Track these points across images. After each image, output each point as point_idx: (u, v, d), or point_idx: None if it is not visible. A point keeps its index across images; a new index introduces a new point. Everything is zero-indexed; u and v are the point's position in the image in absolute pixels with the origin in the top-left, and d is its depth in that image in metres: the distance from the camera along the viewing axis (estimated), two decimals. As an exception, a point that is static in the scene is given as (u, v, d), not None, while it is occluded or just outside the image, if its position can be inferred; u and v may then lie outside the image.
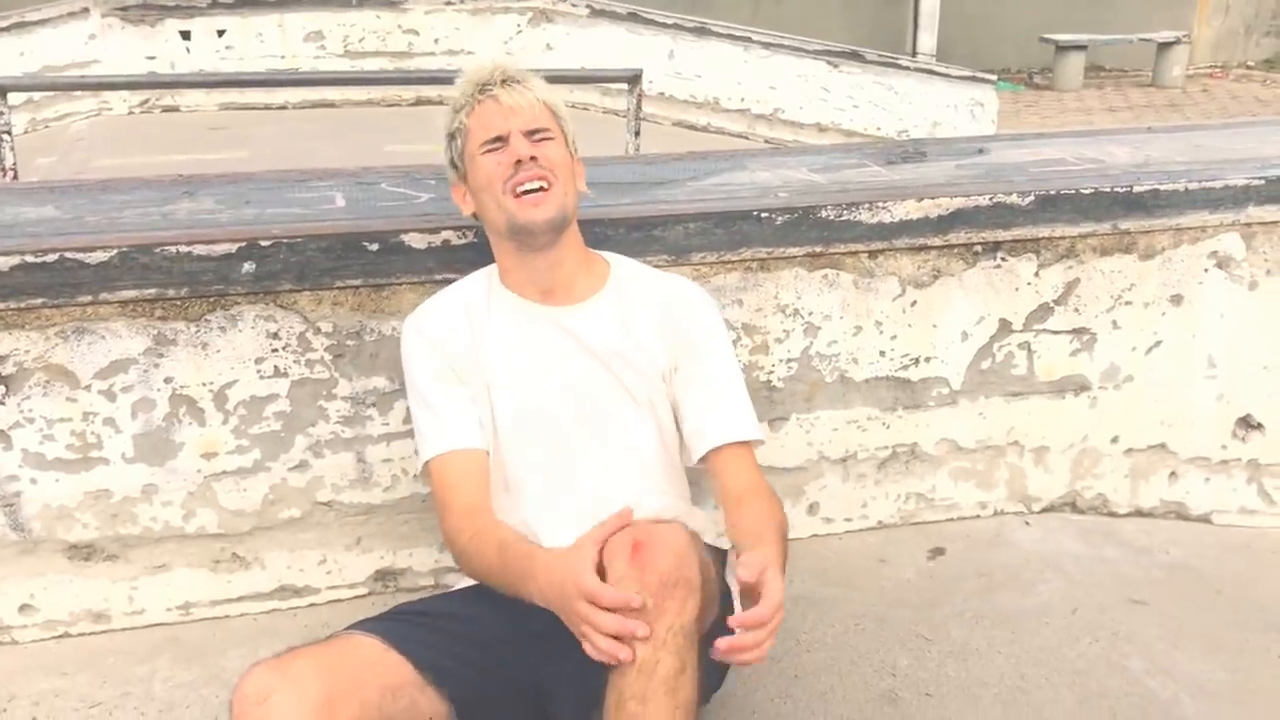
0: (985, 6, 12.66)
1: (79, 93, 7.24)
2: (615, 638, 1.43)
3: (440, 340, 1.87)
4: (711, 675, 1.89)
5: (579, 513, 1.72)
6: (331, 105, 7.63)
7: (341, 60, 7.78)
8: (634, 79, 5.17)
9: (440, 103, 7.22)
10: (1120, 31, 12.61)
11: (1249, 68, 14.35)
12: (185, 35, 7.48)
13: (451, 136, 1.86)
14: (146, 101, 7.45)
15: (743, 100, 8.04)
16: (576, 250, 1.89)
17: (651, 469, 1.86)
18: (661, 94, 7.82)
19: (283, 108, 7.57)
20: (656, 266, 2.07)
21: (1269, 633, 2.24)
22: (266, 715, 1.42)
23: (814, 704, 1.96)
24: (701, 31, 7.93)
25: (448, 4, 7.96)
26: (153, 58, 7.45)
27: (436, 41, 7.92)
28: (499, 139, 1.79)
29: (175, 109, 7.51)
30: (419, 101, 7.66)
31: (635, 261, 2.00)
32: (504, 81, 1.81)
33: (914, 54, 11.53)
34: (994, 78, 8.31)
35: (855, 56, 8.03)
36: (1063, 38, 12.21)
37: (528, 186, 1.77)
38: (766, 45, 7.97)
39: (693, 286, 1.99)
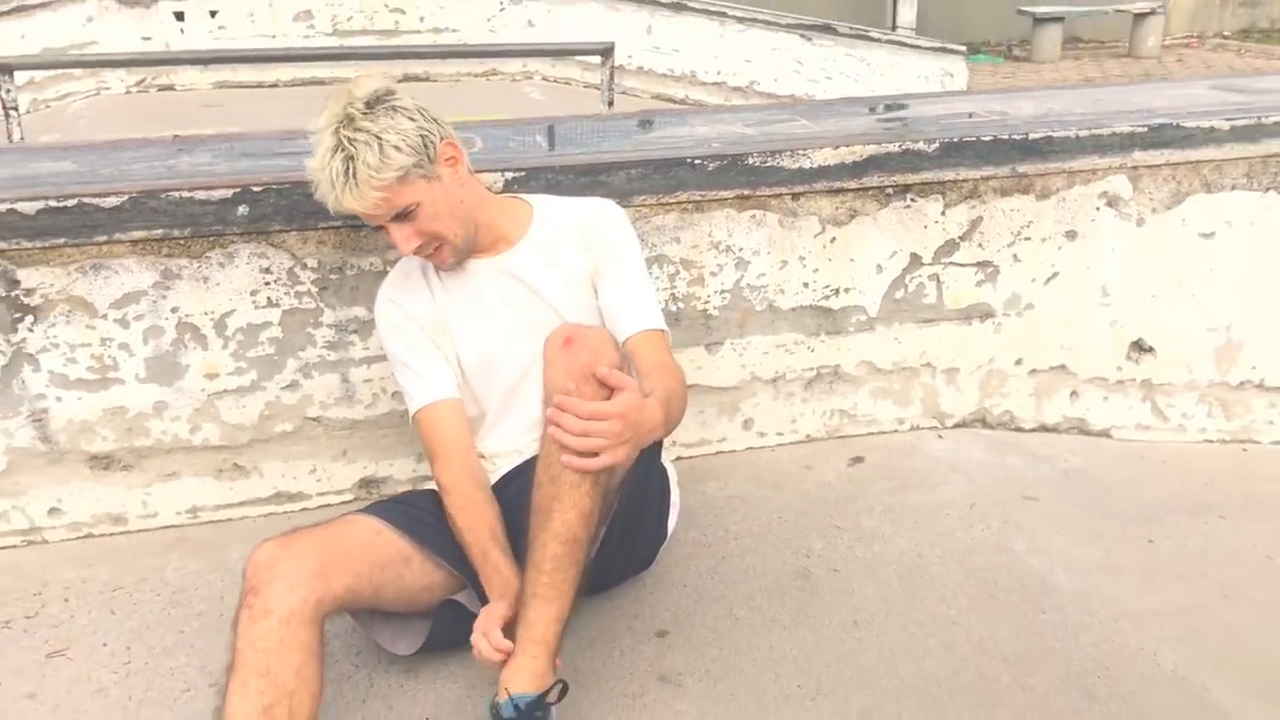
0: (964, -21, 12.89)
1: (78, 73, 7.52)
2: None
3: (408, 305, 2.13)
4: (645, 549, 2.21)
5: (531, 423, 2.04)
6: (321, 83, 7.86)
7: (330, 39, 8.06)
8: (606, 51, 5.43)
9: (426, 79, 7.61)
10: (1097, 3, 12.83)
11: (1224, 37, 14.59)
12: (179, 16, 7.76)
13: None
14: (143, 81, 7.73)
15: (719, 73, 8.32)
16: (495, 218, 2.13)
17: None
18: (640, 68, 8.11)
19: (274, 85, 7.85)
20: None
21: (1144, 524, 2.55)
22: (272, 579, 1.69)
23: (738, 578, 2.27)
24: (678, 7, 8.21)
25: (433, -17, 8.24)
26: (148, 38, 7.73)
27: (422, 20, 8.20)
28: (377, 224, 2.01)
29: (170, 88, 7.79)
30: (406, 78, 7.93)
31: (552, 197, 2.26)
32: (344, 188, 1.91)
33: (894, 27, 11.74)
34: (963, 49, 8.57)
35: (828, 30, 8.30)
36: (1040, 10, 12.43)
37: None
38: (741, 20, 8.24)
39: (604, 203, 2.23)
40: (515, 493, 2.02)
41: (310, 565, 1.72)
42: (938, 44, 8.51)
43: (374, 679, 1.99)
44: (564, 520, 1.76)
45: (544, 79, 8.43)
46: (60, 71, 7.38)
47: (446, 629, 1.97)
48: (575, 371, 1.76)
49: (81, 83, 7.60)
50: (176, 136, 2.73)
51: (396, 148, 1.90)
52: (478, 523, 1.97)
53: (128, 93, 7.72)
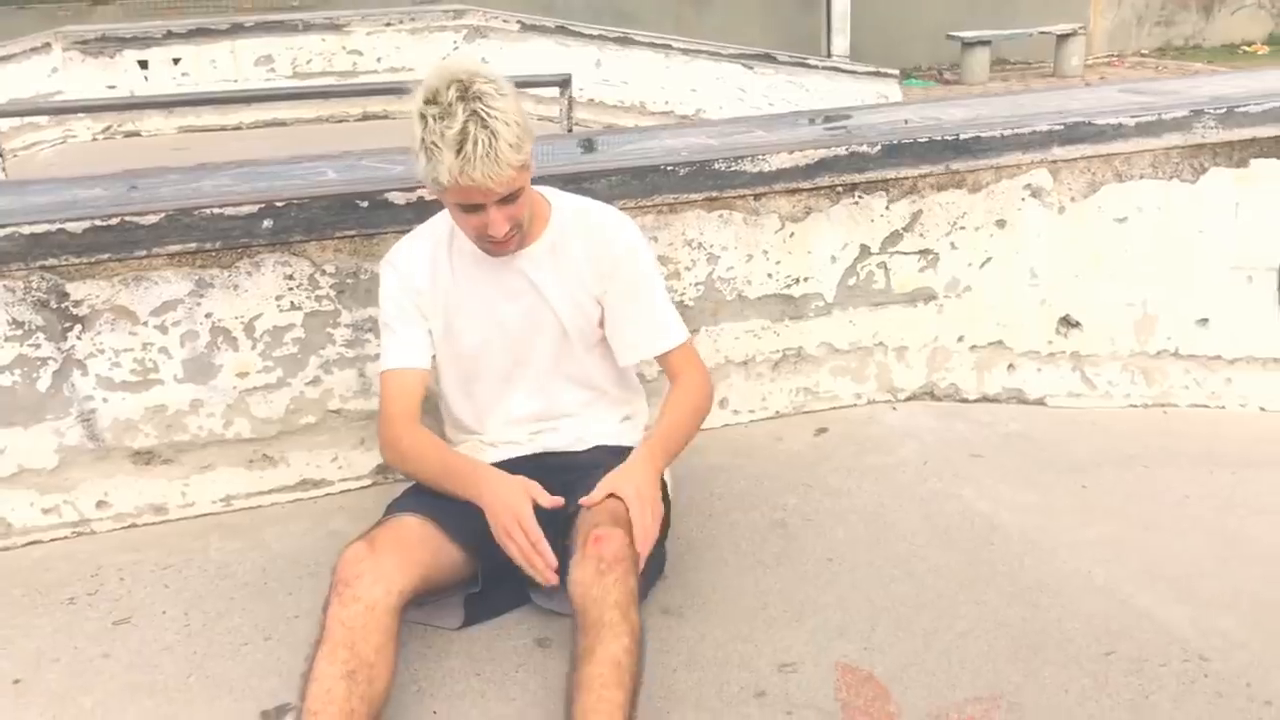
0: (895, 8, 13.35)
1: (44, 122, 7.72)
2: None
3: (408, 276, 2.28)
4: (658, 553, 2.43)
5: (524, 416, 2.34)
6: (283, 124, 8.16)
7: (291, 82, 8.34)
8: (565, 83, 5.79)
9: (385, 116, 7.88)
10: (1021, 26, 13.41)
11: (1143, 55, 15.27)
12: (143, 65, 8.01)
13: (420, 162, 2.02)
14: (109, 128, 7.95)
15: (666, 103, 8.69)
16: (527, 221, 2.18)
17: (587, 381, 2.37)
18: (591, 100, 8.44)
19: (237, 128, 8.10)
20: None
21: (1076, 474, 2.88)
22: (360, 573, 1.94)
23: (724, 530, 2.57)
24: (625, 41, 8.58)
25: (388, 25, 8.56)
26: (113, 87, 7.97)
27: (379, 60, 8.51)
28: (476, 206, 2.04)
29: (136, 134, 8.01)
30: (365, 117, 8.24)
31: (571, 196, 2.36)
32: (483, 156, 1.93)
33: (829, 55, 12.22)
34: (897, 73, 9.01)
35: (768, 58, 8.70)
36: (968, 35, 12.98)
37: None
38: (686, 51, 8.63)
39: (618, 225, 2.32)
40: (528, 471, 2.20)
41: (391, 562, 1.98)
42: (872, 69, 8.93)
43: (412, 627, 2.25)
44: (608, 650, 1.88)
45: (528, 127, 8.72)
46: (26, 121, 7.57)
47: (480, 607, 2.24)
48: (608, 558, 1.95)
49: (48, 131, 7.79)
50: (199, 164, 3.00)
51: (527, 130, 1.99)
52: (427, 447, 2.22)
53: (94, 140, 7.93)
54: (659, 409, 2.32)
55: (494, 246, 2.15)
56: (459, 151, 1.93)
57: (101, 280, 2.55)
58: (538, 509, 2.08)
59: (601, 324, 2.33)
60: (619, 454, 2.21)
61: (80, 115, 7.73)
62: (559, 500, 2.09)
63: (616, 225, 2.33)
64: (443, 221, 2.31)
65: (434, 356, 2.34)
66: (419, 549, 2.07)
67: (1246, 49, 15.03)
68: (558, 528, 2.11)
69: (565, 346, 2.33)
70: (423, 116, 1.98)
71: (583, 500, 2.08)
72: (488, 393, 2.37)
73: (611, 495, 2.08)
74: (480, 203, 2.03)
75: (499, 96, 1.96)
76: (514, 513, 2.05)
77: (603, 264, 2.27)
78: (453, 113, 1.94)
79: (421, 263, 2.30)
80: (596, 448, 2.34)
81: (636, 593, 1.97)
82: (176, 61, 8.07)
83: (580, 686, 1.84)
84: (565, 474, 2.21)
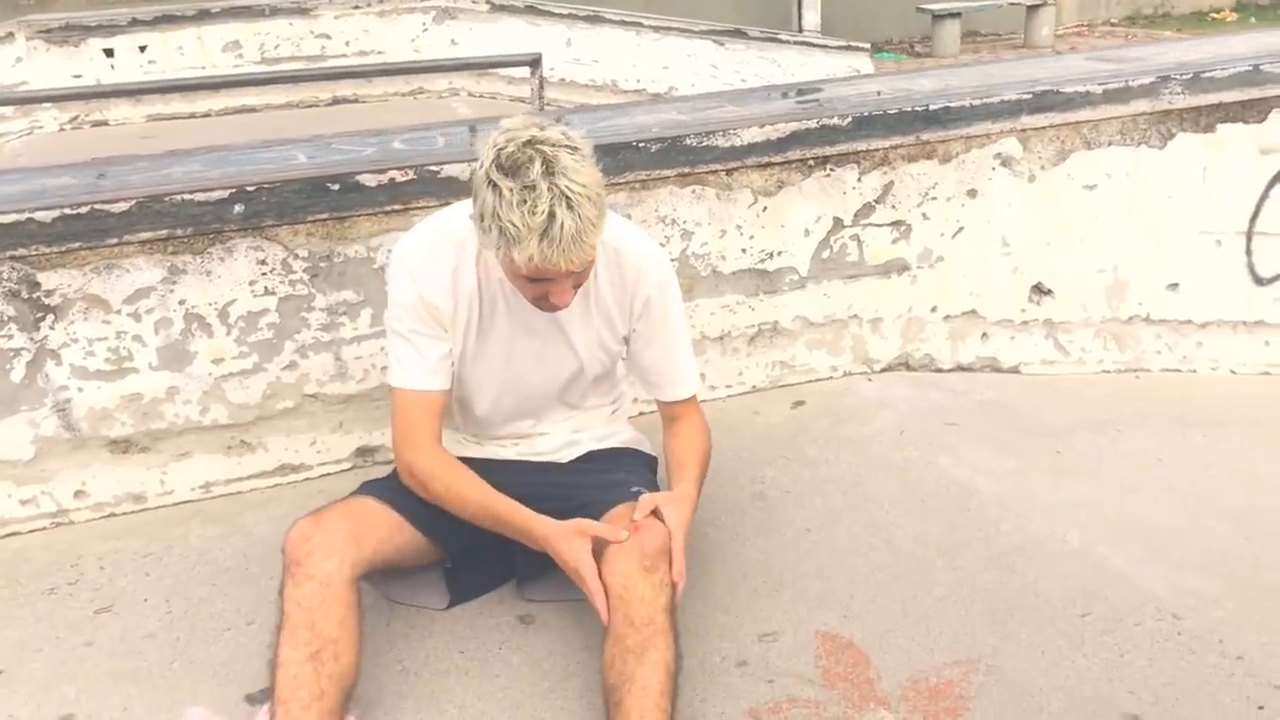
0: (864, -19, 13.38)
1: (9, 113, 7.61)
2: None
3: (429, 293, 2.07)
4: None
5: (512, 434, 2.30)
6: (253, 110, 8.09)
7: (259, 67, 8.24)
8: (535, 62, 5.76)
9: (355, 100, 7.80)
10: (991, -3, 13.45)
11: (1112, 24, 15.32)
12: (109, 53, 7.91)
13: (489, 235, 1.85)
14: (76, 118, 7.86)
15: (638, 81, 8.65)
16: None
17: (584, 401, 2.31)
18: (562, 80, 8.41)
19: (206, 115, 8.02)
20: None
21: (1051, 439, 2.92)
22: (310, 550, 1.93)
23: (703, 504, 2.53)
24: (595, 19, 8.53)
25: (355, 8, 8.49)
26: (79, 76, 7.87)
27: (348, 44, 8.44)
28: (544, 279, 1.90)
29: (104, 123, 7.92)
30: (335, 101, 8.18)
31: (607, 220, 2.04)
32: (570, 241, 1.79)
33: (800, 30, 12.20)
34: (868, 46, 9.01)
35: (739, 34, 8.67)
36: (937, 7, 12.97)
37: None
38: (656, 29, 8.59)
39: (649, 256, 2.18)
40: (507, 473, 2.21)
41: (341, 534, 1.97)
42: (844, 43, 8.93)
43: (394, 606, 2.27)
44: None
45: (470, 95, 8.70)
46: (-9, 112, 7.49)
47: (467, 586, 2.25)
48: (651, 552, 1.94)
49: (13, 123, 7.70)
50: (170, 150, 2.98)
51: (604, 200, 1.86)
52: (471, 489, 2.07)
53: (61, 130, 7.84)
54: (668, 449, 2.28)
55: (555, 308, 2.00)
56: (544, 237, 1.78)
57: (73, 269, 2.53)
58: (550, 503, 2.09)
59: (622, 353, 2.29)
60: (616, 457, 2.23)
61: (46, 105, 7.64)
62: (619, 534, 1.99)
63: (651, 265, 2.18)
64: (468, 247, 2.08)
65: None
66: (372, 525, 2.04)
67: (1215, 16, 15.11)
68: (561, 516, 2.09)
69: (575, 383, 2.27)
70: (496, 187, 1.80)
71: (635, 515, 2.02)
72: (480, 407, 2.27)
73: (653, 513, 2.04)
74: (551, 278, 1.90)
75: (581, 169, 1.81)
76: (578, 561, 1.96)
77: (633, 303, 2.18)
78: (538, 192, 1.77)
79: (443, 279, 2.08)
80: (591, 454, 2.32)
81: (675, 599, 1.96)
82: (143, 49, 7.98)
83: (633, 684, 1.82)
84: (552, 476, 2.24)
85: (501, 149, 1.81)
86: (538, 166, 1.78)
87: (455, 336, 2.13)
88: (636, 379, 2.37)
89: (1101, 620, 2.13)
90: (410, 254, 2.10)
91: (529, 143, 1.81)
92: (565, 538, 1.98)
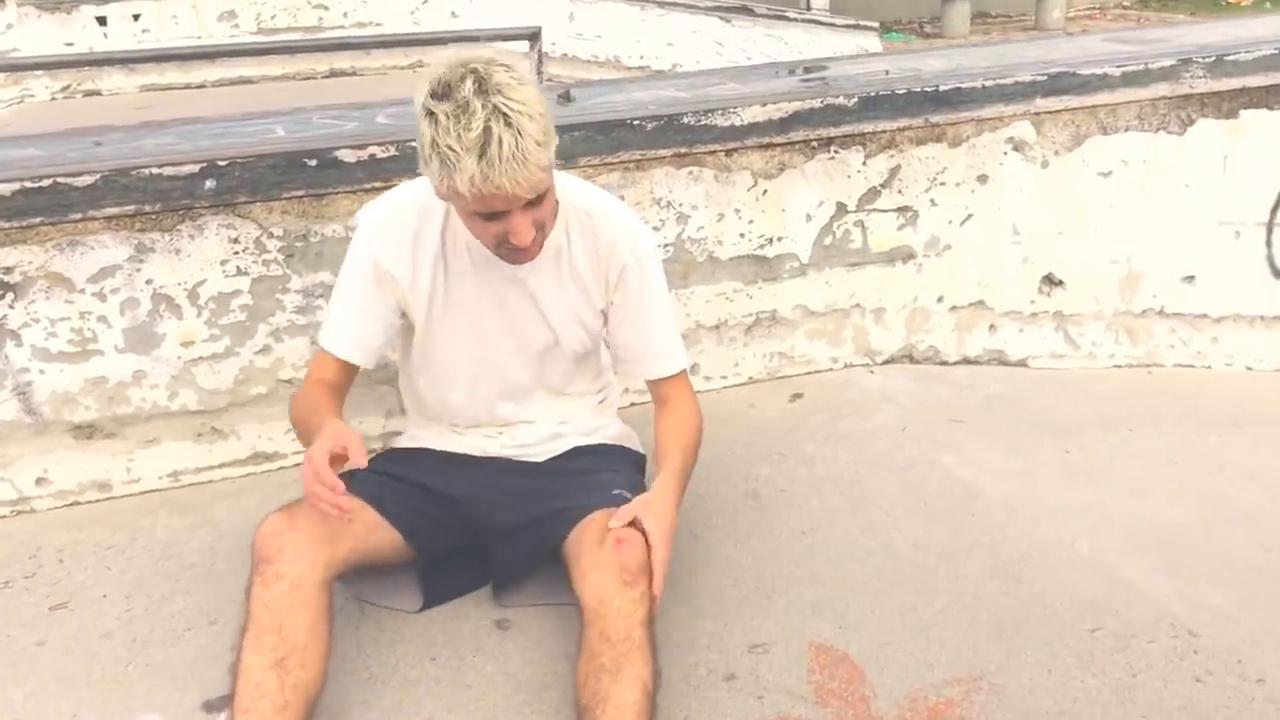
0: (875, -39, 13.18)
1: (1, 82, 7.49)
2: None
3: (383, 259, 2.00)
4: None
5: (494, 419, 2.18)
6: (249, 82, 7.95)
7: (255, 38, 8.10)
8: (534, 36, 5.61)
9: (353, 73, 7.61)
10: (1002, -22, 13.26)
11: (1125, 7, 15.12)
12: (101, 21, 7.76)
13: (430, 167, 1.74)
14: (68, 87, 7.72)
15: (642, 58, 8.49)
16: (551, 222, 1.94)
17: (567, 385, 2.19)
18: (564, 55, 8.25)
19: (201, 86, 7.89)
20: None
21: (1060, 437, 2.79)
22: (281, 547, 1.81)
23: (694, 503, 2.44)
24: (599, -7, 8.38)
25: (354, -22, 8.33)
26: (70, 44, 7.73)
27: (345, 15, 8.29)
28: (497, 213, 1.78)
29: (97, 93, 7.78)
30: (333, 74, 8.03)
31: (578, 187, 2.07)
32: (509, 159, 1.67)
33: (808, 7, 12.02)
34: (876, 25, 8.85)
35: (745, 11, 8.51)
36: (948, -13, 12.81)
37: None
38: (661, 4, 8.42)
39: (626, 223, 2.07)
40: (484, 475, 2.13)
41: (315, 532, 1.84)
42: (852, 22, 8.76)
43: (365, 608, 2.15)
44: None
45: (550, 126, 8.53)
46: (-18, 80, 7.36)
47: (441, 589, 2.13)
48: (631, 567, 1.81)
49: (4, 91, 7.56)
50: (142, 122, 2.85)
51: (550, 123, 1.74)
52: (302, 406, 2.02)
53: (53, 99, 7.71)
54: (655, 434, 2.13)
55: (517, 254, 1.88)
56: (482, 155, 1.66)
57: (34, 245, 2.40)
58: (526, 509, 2.02)
59: (603, 333, 2.16)
60: (601, 454, 2.10)
61: (38, 73, 7.50)
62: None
63: (626, 234, 2.05)
64: (435, 211, 2.00)
65: (396, 345, 2.19)
66: (347, 523, 1.90)
67: (1228, 1, 14.89)
68: (546, 529, 2.00)
69: (552, 360, 2.14)
70: (431, 114, 1.69)
71: (611, 524, 1.89)
72: (456, 391, 2.16)
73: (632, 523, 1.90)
74: (503, 210, 1.77)
75: (520, 86, 1.69)
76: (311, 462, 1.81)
77: (609, 274, 2.05)
78: (471, 110, 1.65)
79: (401, 242, 2.00)
80: (576, 450, 2.20)
81: (653, 611, 1.85)
82: (136, 18, 7.83)
83: (608, 704, 1.70)
84: (545, 481, 2.11)
85: (434, 78, 1.71)
86: (469, 85, 1.67)
87: (417, 306, 2.03)
88: (617, 360, 2.19)
89: (1112, 636, 2.00)
90: (370, 216, 2.04)
91: (460, 64, 1.70)
92: (309, 453, 1.81)
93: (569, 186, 2.04)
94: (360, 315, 2.04)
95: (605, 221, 2.04)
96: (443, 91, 1.69)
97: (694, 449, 2.11)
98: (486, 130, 1.65)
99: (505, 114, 1.66)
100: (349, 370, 2.07)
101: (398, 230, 2.00)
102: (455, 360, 2.11)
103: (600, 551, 1.84)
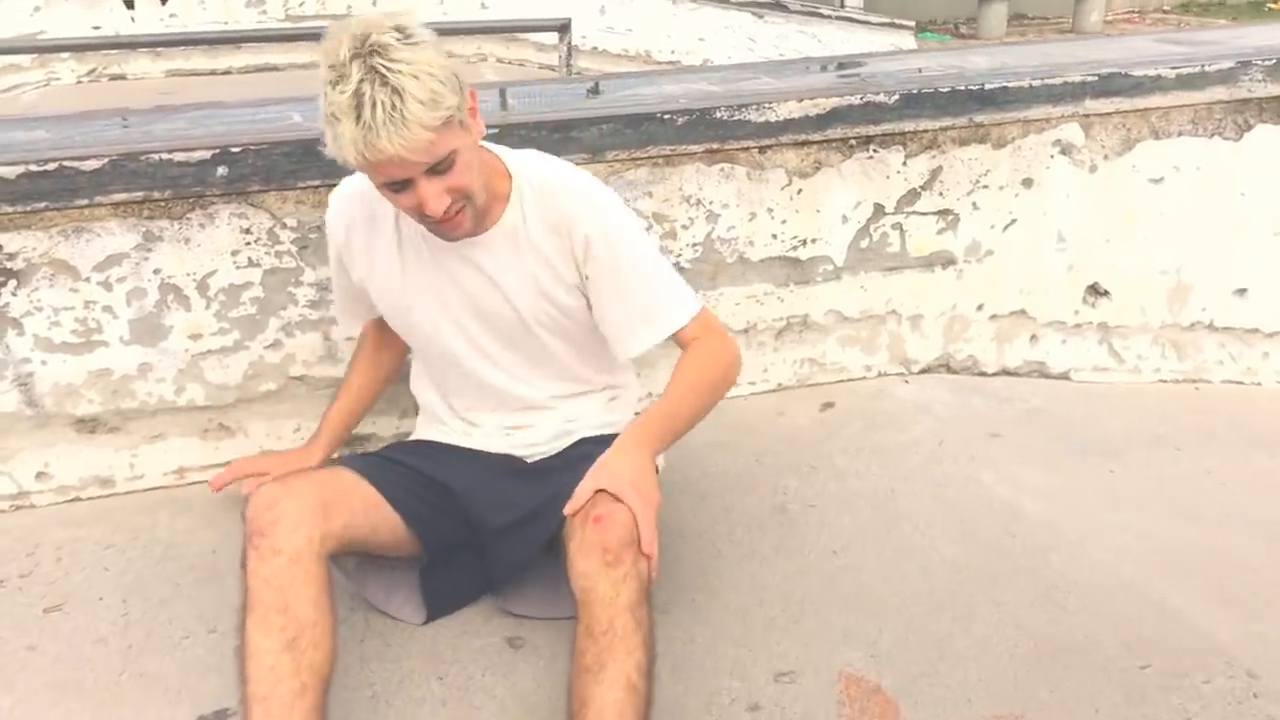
0: (911, -40, 13.03)
1: (26, 64, 7.43)
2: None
3: (340, 241, 2.06)
4: None
5: (494, 409, 2.09)
6: (276, 69, 7.86)
7: (283, 24, 8.02)
8: (564, 27, 5.50)
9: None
10: (1040, -21, 13.07)
11: (1165, 12, 14.89)
12: (129, 4, 7.69)
13: (326, 139, 1.70)
14: (94, 70, 7.66)
15: (673, 52, 8.37)
16: (480, 192, 1.84)
17: (566, 373, 2.08)
18: (595, 48, 8.14)
19: (227, 72, 7.81)
20: (575, 164, 2.12)
21: (1104, 456, 2.66)
22: (276, 519, 1.72)
23: (718, 515, 2.34)
24: (630, -14, 8.26)
25: (384, -34, 8.22)
26: (98, 27, 7.65)
27: (374, 4, 8.17)
28: (403, 182, 1.72)
29: (122, 77, 7.72)
30: (361, 63, 7.94)
31: (535, 161, 1.97)
32: (385, 120, 1.60)
33: (842, 4, 11.88)
34: (912, 24, 8.70)
35: (779, 7, 8.37)
36: (984, -13, 12.64)
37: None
38: (694, -1, 8.31)
39: (580, 192, 1.94)
40: (485, 473, 2.05)
41: (310, 503, 1.76)
42: (887, 20, 8.62)
43: (370, 619, 2.04)
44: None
45: (498, 61, 8.44)
46: (8, 62, 7.29)
47: (445, 598, 2.04)
48: (613, 545, 1.70)
49: (31, 73, 7.51)
50: (155, 106, 2.75)
51: (443, 83, 1.64)
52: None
53: (79, 83, 7.64)
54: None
55: (442, 227, 1.80)
56: (358, 119, 1.60)
57: (38, 231, 2.31)
58: (522, 508, 1.96)
59: (590, 312, 2.01)
60: (605, 444, 1.94)
61: (64, 57, 7.44)
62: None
63: (582, 203, 1.92)
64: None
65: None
66: (344, 497, 1.85)
67: (1271, 6, 14.64)
68: (541, 518, 1.90)
69: (532, 340, 2.03)
70: (323, 85, 1.64)
71: (566, 510, 1.78)
72: (451, 380, 2.11)
73: (600, 492, 1.77)
74: (406, 178, 1.70)
75: (405, 47, 1.62)
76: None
77: (574, 247, 1.92)
78: (345, 72, 1.60)
79: (355, 233, 2.05)
80: (581, 441, 2.09)
81: (647, 584, 1.73)
82: (164, 2, 7.75)
83: (588, 710, 1.61)
84: (545, 479, 2.00)
85: (324, 48, 1.65)
86: (345, 49, 1.61)
87: (385, 291, 2.05)
88: (618, 341, 1.98)
89: (1163, 674, 1.87)
90: (332, 199, 2.11)
91: (346, 30, 1.64)
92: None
93: (522, 162, 1.95)
94: (347, 295, 2.20)
95: (559, 194, 1.92)
96: (327, 60, 1.64)
97: (699, 384, 1.94)
98: (358, 93, 1.60)
99: (382, 74, 1.60)
100: (372, 327, 2.26)
101: (349, 209, 2.05)
102: (437, 343, 2.05)
103: (583, 533, 1.73)
